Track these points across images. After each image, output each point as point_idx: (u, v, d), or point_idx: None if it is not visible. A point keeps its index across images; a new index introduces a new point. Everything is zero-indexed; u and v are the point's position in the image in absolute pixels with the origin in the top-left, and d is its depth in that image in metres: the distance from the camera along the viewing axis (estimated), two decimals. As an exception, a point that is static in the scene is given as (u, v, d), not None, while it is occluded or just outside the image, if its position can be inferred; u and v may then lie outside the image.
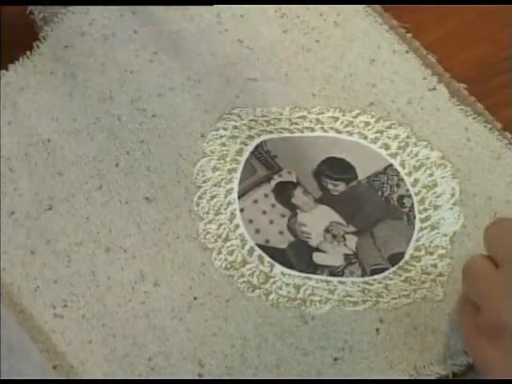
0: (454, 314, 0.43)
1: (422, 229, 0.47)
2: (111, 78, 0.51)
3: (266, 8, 0.54)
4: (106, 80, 0.51)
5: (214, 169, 0.48)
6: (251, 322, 0.44)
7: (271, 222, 0.47)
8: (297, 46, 0.53)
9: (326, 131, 0.50)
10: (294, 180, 0.49)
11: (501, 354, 0.36)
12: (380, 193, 0.48)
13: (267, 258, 0.46)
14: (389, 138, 0.50)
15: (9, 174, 0.48)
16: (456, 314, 0.42)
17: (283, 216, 0.47)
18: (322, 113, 0.51)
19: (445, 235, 0.47)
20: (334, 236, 0.47)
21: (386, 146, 0.50)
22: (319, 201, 0.48)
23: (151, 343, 0.43)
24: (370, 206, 0.48)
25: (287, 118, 0.50)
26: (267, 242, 0.46)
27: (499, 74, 0.52)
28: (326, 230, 0.47)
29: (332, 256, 0.46)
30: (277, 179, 0.49)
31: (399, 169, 0.49)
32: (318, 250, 0.46)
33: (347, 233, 0.47)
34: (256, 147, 0.49)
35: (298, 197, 0.48)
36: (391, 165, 0.49)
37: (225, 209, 0.47)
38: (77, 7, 0.53)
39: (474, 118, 0.50)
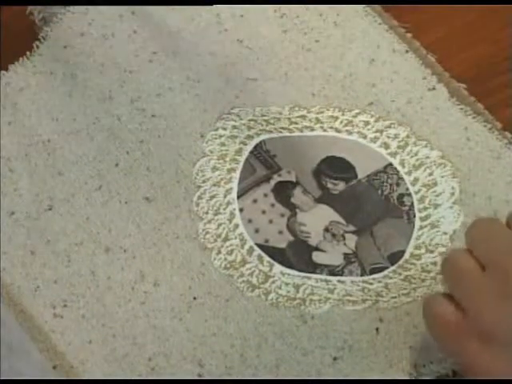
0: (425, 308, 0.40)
1: (421, 227, 0.47)
2: (111, 78, 0.51)
3: (265, 8, 0.54)
4: (105, 80, 0.51)
5: (214, 169, 0.48)
6: (251, 322, 0.44)
7: (271, 221, 0.47)
8: (296, 45, 0.53)
9: (325, 130, 0.50)
10: (294, 179, 0.48)
11: (495, 359, 0.36)
12: (380, 192, 0.48)
13: (267, 258, 0.46)
14: (388, 137, 0.50)
15: (9, 175, 0.48)
16: (428, 309, 0.39)
17: (283, 215, 0.47)
18: (322, 112, 0.50)
19: (445, 233, 0.46)
20: (334, 235, 0.47)
21: (386, 146, 0.49)
22: (319, 200, 0.48)
23: (151, 343, 0.43)
24: (370, 205, 0.48)
25: (286, 117, 0.50)
26: (267, 241, 0.46)
27: (499, 74, 0.52)
28: (326, 230, 0.47)
29: (331, 255, 0.46)
30: (276, 179, 0.48)
31: (399, 168, 0.49)
32: (317, 249, 0.46)
33: (347, 232, 0.47)
34: (255, 147, 0.49)
35: (298, 196, 0.48)
36: (391, 164, 0.49)
37: (224, 208, 0.47)
38: (76, 7, 0.53)
39: (474, 118, 0.50)
